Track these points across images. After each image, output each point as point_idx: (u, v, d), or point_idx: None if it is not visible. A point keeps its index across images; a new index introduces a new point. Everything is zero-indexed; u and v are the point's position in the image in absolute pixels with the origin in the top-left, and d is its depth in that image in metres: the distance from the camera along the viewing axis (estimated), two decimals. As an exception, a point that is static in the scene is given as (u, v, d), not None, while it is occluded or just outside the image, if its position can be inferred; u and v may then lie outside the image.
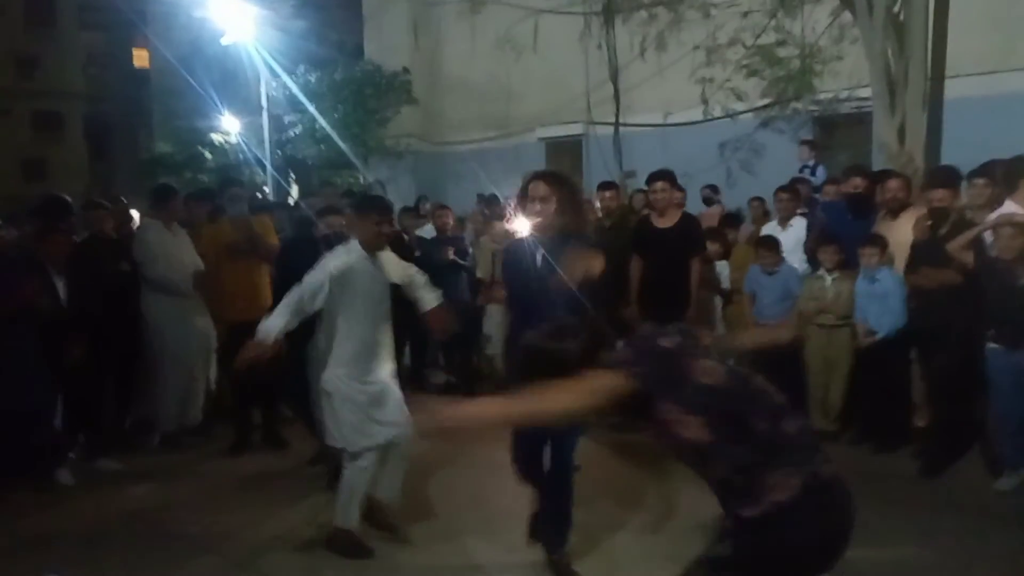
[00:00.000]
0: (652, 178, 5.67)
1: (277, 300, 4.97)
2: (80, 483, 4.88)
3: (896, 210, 5.33)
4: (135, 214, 6.90)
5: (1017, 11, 8.70)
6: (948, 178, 5.06)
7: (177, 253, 5.57)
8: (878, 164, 7.18)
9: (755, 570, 2.06)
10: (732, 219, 7.30)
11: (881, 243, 5.11)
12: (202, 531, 4.18)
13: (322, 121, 12.78)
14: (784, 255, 5.76)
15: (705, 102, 10.46)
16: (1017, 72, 8.68)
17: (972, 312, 4.52)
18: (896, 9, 7.31)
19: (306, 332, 4.05)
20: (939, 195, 4.85)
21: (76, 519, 4.40)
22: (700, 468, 2.13)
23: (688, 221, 5.70)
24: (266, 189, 14.29)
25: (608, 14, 11.73)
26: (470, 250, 7.19)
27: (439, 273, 5.17)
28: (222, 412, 5.94)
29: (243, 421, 5.59)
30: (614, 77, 11.79)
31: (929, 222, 4.93)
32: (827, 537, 2.04)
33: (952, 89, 7.74)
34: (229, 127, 16.71)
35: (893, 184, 5.38)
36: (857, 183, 5.68)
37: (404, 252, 5.39)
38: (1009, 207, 4.62)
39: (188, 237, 5.73)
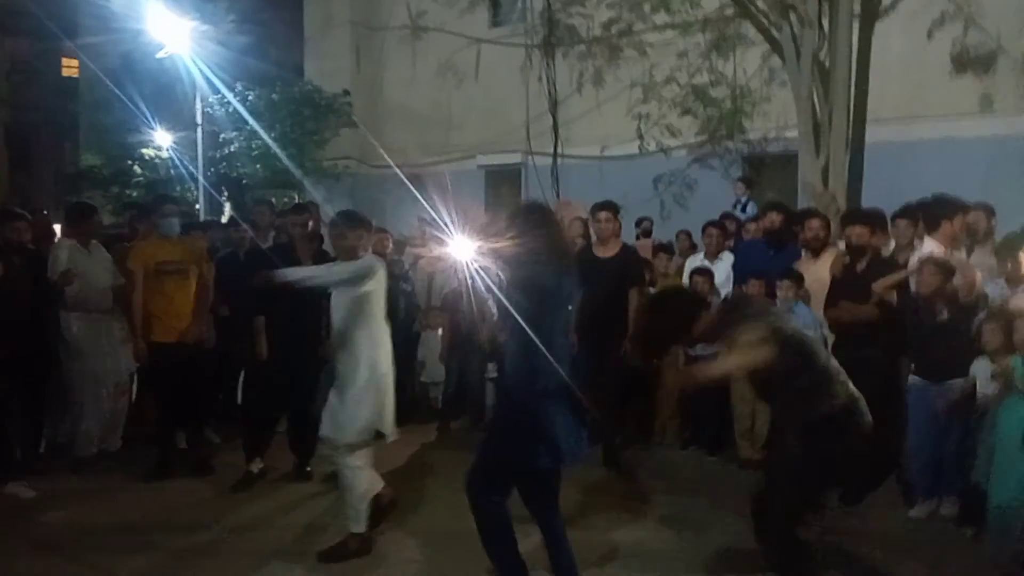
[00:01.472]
0: (596, 208, 5.77)
1: (241, 318, 5.19)
2: (-12, 509, 4.63)
3: (817, 249, 5.54)
4: (57, 228, 6.67)
5: (931, 63, 9.26)
6: (865, 216, 5.31)
7: (92, 272, 5.39)
8: (803, 203, 7.48)
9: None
10: (666, 249, 7.46)
11: (796, 277, 5.29)
12: (121, 562, 4.01)
13: (266, 138, 12.58)
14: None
15: (640, 137, 10.74)
16: (931, 119, 9.22)
17: (889, 346, 4.74)
18: (822, 56, 7.69)
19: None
20: (857, 231, 5.08)
21: (-17, 548, 4.17)
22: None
23: (628, 252, 5.82)
24: (198, 206, 13.96)
25: (548, 48, 11.97)
26: (409, 274, 7.15)
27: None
28: (144, 436, 5.75)
29: (166, 445, 5.41)
30: (553, 109, 12.01)
31: (847, 258, 5.16)
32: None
33: (873, 134, 8.14)
34: (161, 142, 16.29)
35: (814, 223, 5.59)
36: (773, 219, 5.91)
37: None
38: (929, 245, 4.89)
39: (107, 255, 5.58)
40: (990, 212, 5.14)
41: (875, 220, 5.31)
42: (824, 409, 3.31)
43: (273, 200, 11.51)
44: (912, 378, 4.57)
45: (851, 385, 3.41)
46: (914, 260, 4.76)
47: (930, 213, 4.99)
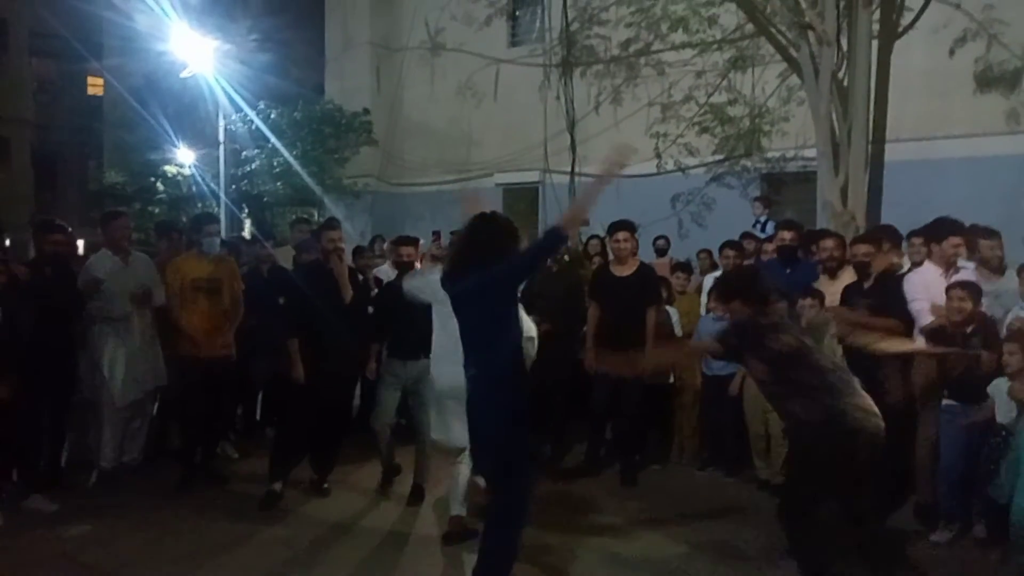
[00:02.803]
0: (614, 228, 5.79)
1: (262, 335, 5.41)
2: (10, 523, 4.65)
3: (833, 269, 5.47)
4: (80, 243, 6.76)
5: (951, 82, 9.22)
6: (871, 235, 5.30)
7: (124, 284, 5.35)
8: (822, 222, 7.45)
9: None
10: (683, 268, 7.46)
11: (818, 295, 5.24)
12: None
13: (288, 156, 12.75)
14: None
15: (658, 156, 10.76)
16: (951, 139, 9.17)
17: (904, 366, 4.69)
18: (841, 75, 7.68)
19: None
20: (862, 250, 5.07)
21: (6, 561, 4.20)
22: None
23: (645, 270, 5.82)
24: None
25: (567, 67, 12.06)
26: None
27: (400, 312, 5.15)
28: (165, 450, 5.79)
29: (189, 460, 5.45)
30: (571, 128, 12.08)
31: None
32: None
33: (892, 153, 8.11)
34: (184, 159, 16.52)
35: (828, 243, 5.50)
36: (784, 236, 5.90)
37: (361, 292, 5.38)
38: (928, 267, 4.87)
39: (149, 269, 5.57)
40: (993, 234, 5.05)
41: (880, 237, 5.28)
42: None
43: (294, 217, 11.61)
44: (946, 402, 4.51)
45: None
46: (908, 277, 4.81)
47: (928, 236, 5.00)
